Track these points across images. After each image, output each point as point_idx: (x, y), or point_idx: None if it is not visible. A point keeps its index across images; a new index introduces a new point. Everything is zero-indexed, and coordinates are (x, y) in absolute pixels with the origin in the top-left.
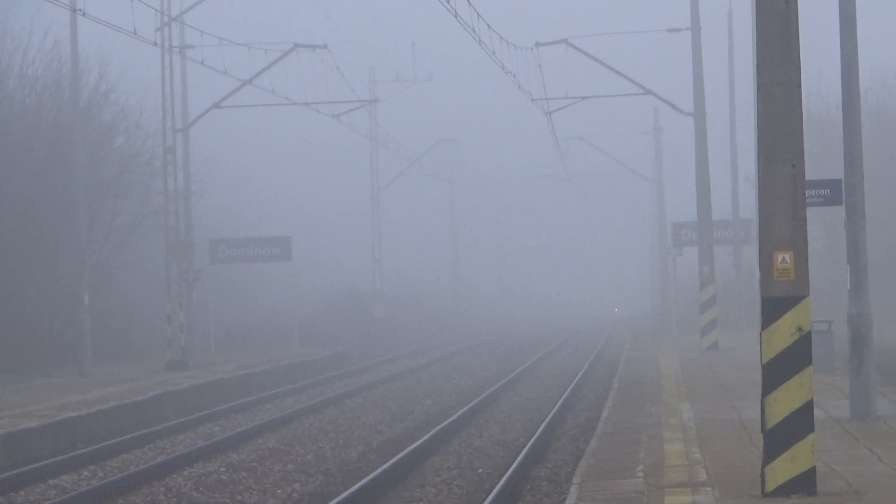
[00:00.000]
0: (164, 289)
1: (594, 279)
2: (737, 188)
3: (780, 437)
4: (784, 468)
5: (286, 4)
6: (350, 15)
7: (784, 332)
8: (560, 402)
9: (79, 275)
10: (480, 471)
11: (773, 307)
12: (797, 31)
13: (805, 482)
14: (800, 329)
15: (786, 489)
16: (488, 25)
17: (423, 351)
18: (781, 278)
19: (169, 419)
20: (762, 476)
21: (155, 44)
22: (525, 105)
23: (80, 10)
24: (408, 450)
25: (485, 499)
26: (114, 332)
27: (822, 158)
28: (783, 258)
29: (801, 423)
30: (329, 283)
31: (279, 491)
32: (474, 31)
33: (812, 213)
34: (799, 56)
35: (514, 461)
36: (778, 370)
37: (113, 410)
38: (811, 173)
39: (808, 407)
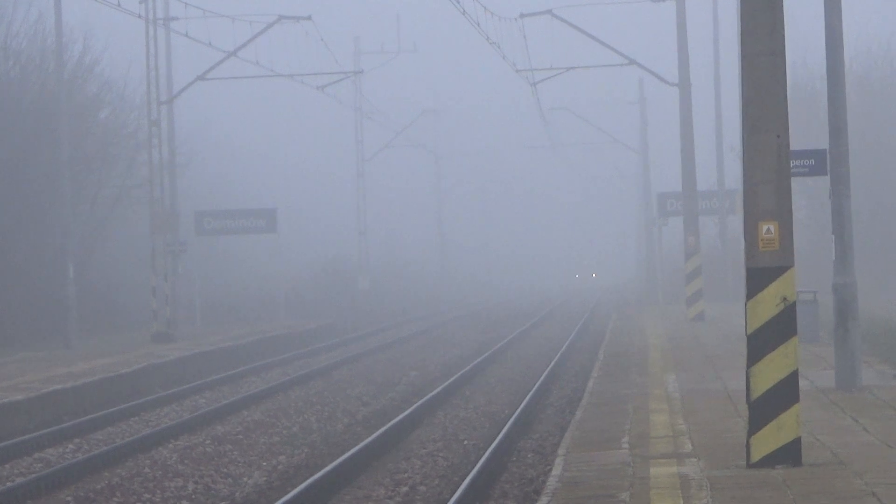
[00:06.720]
0: (149, 261)
1: (580, 249)
2: (722, 158)
3: (765, 408)
4: (769, 439)
5: None
6: None
7: (769, 303)
8: (546, 372)
9: (64, 247)
10: (466, 442)
11: (758, 278)
12: (781, 0)
13: (790, 453)
14: (785, 299)
15: (771, 460)
16: None
17: (408, 322)
18: (766, 249)
19: (155, 392)
20: (747, 447)
21: (139, 16)
22: (510, 76)
23: None
24: (393, 421)
25: (470, 470)
26: (99, 304)
27: (807, 128)
28: (768, 228)
29: (786, 393)
30: (315, 255)
31: (264, 463)
32: (458, 2)
33: (797, 184)
34: (783, 26)
35: (499, 433)
36: (763, 341)
37: (99, 383)
38: (796, 143)
39: (793, 377)
